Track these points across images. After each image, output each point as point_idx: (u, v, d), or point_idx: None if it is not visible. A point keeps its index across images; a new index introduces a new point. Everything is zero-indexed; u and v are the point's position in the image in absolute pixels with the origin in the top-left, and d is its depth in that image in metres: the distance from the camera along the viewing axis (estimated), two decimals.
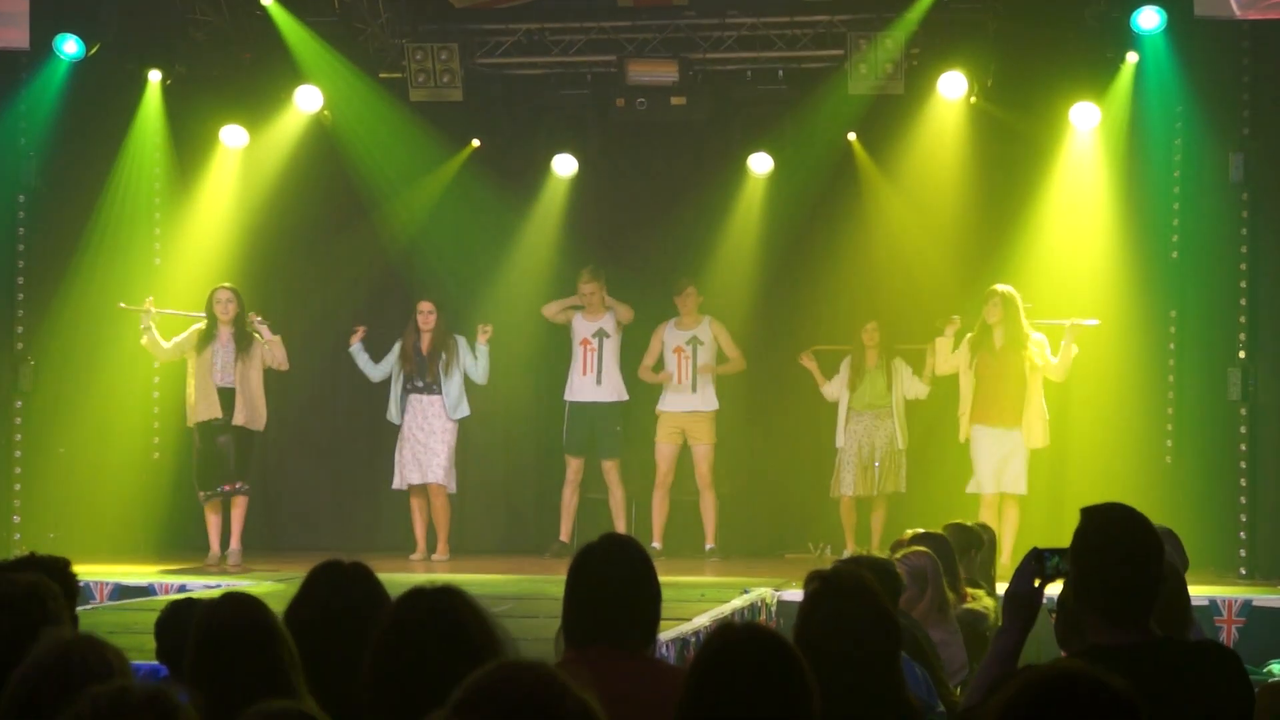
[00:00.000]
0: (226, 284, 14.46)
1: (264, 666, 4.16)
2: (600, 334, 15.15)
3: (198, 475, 14.31)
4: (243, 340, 14.21)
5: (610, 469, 15.25)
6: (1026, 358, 13.81)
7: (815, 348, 15.06)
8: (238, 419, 14.11)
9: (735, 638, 3.52)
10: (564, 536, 15.21)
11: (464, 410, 15.00)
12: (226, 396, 14.15)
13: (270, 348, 14.31)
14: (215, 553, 14.23)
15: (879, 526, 14.60)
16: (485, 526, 16.15)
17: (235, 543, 14.28)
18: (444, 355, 14.85)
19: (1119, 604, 4.39)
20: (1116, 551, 4.42)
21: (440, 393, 14.92)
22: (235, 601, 4.37)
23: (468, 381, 15.03)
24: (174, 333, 14.43)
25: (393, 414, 15.03)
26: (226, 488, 14.21)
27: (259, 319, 14.39)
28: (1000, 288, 13.93)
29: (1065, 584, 4.68)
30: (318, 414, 16.57)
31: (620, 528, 14.83)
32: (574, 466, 15.32)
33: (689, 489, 15.37)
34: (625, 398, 15.30)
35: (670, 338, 15.14)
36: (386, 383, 15.09)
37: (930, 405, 14.86)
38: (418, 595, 3.85)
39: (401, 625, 3.78)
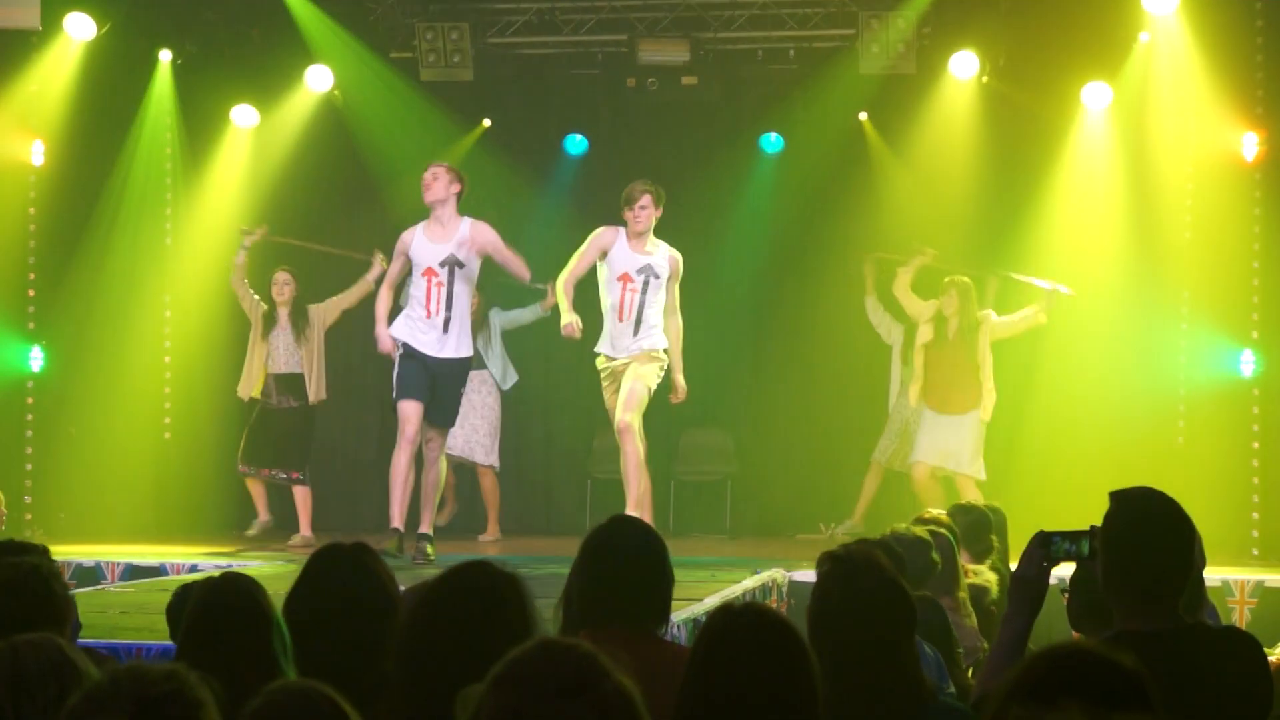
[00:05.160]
0: (285, 267, 14.24)
1: (254, 650, 4.16)
2: (450, 261, 11.78)
3: (243, 450, 14.04)
4: (299, 322, 14.05)
5: (435, 440, 11.87)
6: (976, 344, 13.65)
7: (877, 254, 14.87)
8: (313, 398, 13.94)
9: (735, 617, 3.54)
10: (397, 522, 11.70)
11: (512, 377, 14.80)
12: (290, 382, 13.97)
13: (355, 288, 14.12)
14: (264, 518, 14.03)
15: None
16: (518, 505, 16.04)
17: (305, 529, 13.93)
18: (483, 330, 14.61)
19: (1148, 590, 4.38)
20: (1147, 537, 4.40)
21: (483, 366, 14.51)
22: (233, 582, 4.37)
23: (510, 349, 14.84)
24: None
25: None
26: (274, 473, 13.99)
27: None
28: (957, 278, 13.81)
29: (1079, 566, 4.68)
30: (337, 394, 16.54)
31: (426, 518, 11.82)
32: (409, 413, 11.59)
33: (700, 469, 15.31)
34: (471, 354, 12.00)
35: (619, 258, 11.80)
36: None
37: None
38: (461, 571, 3.87)
39: (440, 599, 3.78)
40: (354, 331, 14.56)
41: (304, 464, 14.10)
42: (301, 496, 14.08)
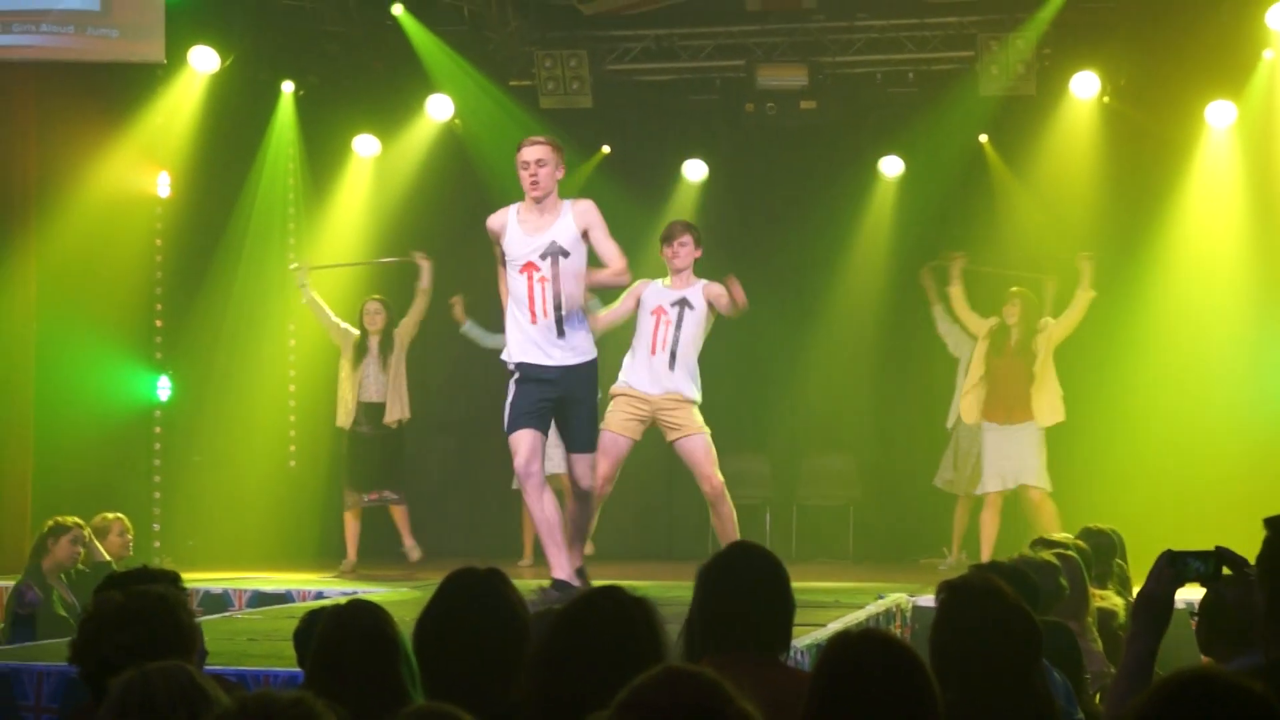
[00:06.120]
0: (376, 296, 14.29)
1: (381, 677, 4.18)
2: (553, 251, 9.93)
3: (350, 477, 14.06)
4: (387, 349, 14.03)
5: (580, 468, 10.05)
6: (1035, 354, 13.48)
7: (932, 264, 14.61)
8: (390, 417, 13.91)
9: (855, 643, 3.54)
10: (558, 573, 9.73)
11: None
12: (374, 411, 13.96)
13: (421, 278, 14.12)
14: (351, 560, 14.02)
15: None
16: (615, 529, 16.04)
17: (408, 539, 14.04)
18: None
19: None
20: None
21: None
22: (361, 609, 4.39)
23: None
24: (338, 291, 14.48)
25: None
26: (373, 497, 14.09)
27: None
28: (1022, 289, 13.64)
29: (1209, 590, 4.60)
30: (454, 420, 16.65)
31: (571, 556, 9.95)
32: (518, 444, 9.78)
33: (823, 494, 15.23)
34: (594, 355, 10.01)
35: (651, 298, 11.03)
36: None
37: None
38: (593, 597, 3.88)
39: (572, 625, 3.79)
40: (432, 355, 14.69)
41: (402, 483, 14.19)
42: (401, 514, 14.13)
